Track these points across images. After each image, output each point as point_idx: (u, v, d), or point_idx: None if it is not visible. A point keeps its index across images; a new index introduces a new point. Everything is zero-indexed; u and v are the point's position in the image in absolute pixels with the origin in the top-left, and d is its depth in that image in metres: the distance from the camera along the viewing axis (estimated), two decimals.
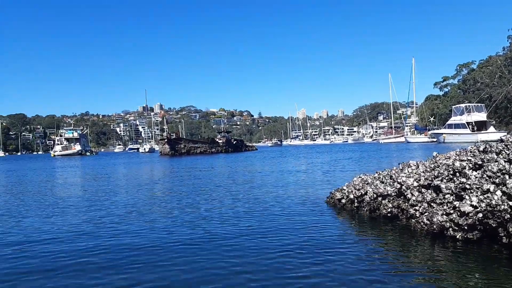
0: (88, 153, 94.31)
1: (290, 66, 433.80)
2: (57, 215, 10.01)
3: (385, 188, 7.48)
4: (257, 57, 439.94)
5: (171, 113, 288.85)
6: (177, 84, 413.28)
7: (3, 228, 8.48)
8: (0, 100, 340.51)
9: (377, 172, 8.41)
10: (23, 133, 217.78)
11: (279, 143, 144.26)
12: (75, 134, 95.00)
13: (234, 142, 76.40)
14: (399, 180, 7.20)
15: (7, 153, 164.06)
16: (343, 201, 8.82)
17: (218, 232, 7.50)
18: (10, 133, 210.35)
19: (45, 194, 14.97)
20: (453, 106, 78.55)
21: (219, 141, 71.94)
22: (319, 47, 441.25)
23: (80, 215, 9.89)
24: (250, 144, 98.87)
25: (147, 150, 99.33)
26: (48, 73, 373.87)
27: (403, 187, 7.07)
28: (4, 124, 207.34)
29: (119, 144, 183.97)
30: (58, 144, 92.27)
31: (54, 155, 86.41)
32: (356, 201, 8.35)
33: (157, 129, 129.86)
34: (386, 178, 7.74)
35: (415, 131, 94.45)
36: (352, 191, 8.48)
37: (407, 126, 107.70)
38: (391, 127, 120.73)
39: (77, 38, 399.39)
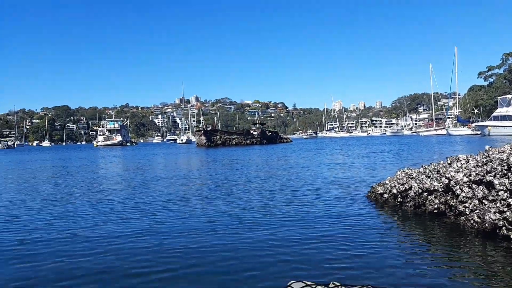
0: (128, 144, 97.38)
1: (325, 56, 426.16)
2: (103, 202, 10.46)
3: (431, 183, 7.17)
4: (292, 48, 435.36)
5: (207, 105, 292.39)
6: (213, 77, 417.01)
7: (53, 214, 8.91)
8: (47, 93, 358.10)
9: (422, 166, 8.08)
10: (68, 124, 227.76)
11: (314, 135, 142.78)
12: (116, 125, 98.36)
13: (268, 134, 76.30)
14: (447, 175, 6.87)
15: (52, 143, 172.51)
16: (385, 196, 8.56)
17: (256, 222, 7.54)
18: (56, 124, 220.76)
19: (91, 182, 15.60)
20: (498, 97, 74.57)
21: (254, 133, 72.13)
22: (356, 36, 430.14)
23: (125, 202, 10.28)
24: (284, 136, 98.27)
25: (184, 141, 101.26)
26: (90, 66, 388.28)
27: (452, 182, 6.74)
28: (50, 115, 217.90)
29: (157, 135, 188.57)
30: (101, 135, 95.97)
31: (97, 145, 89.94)
32: (399, 196, 8.08)
33: (194, 121, 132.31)
34: (433, 172, 7.42)
35: (458, 123, 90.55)
36: (395, 186, 8.21)
37: (448, 118, 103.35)
38: (432, 119, 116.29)
39: (117, 33, 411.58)
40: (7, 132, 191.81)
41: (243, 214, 8.41)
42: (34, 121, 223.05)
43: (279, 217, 7.96)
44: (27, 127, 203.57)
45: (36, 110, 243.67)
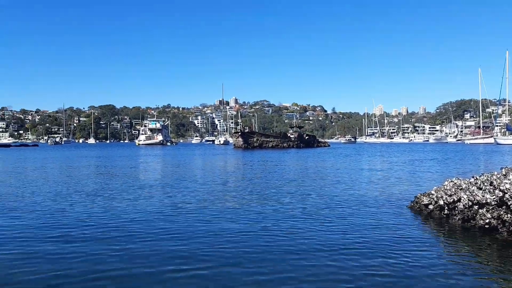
0: (168, 143, 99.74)
1: (367, 59, 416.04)
2: (143, 199, 10.77)
3: (483, 196, 6.65)
4: (332, 51, 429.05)
5: (245, 107, 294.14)
6: (252, 79, 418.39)
7: (96, 209, 9.14)
8: (94, 92, 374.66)
9: (473, 177, 7.54)
10: (112, 123, 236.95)
11: (352, 140, 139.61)
12: (158, 125, 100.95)
13: (306, 138, 75.52)
14: (501, 187, 6.35)
15: (97, 141, 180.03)
16: (431, 207, 8.08)
17: (293, 226, 7.36)
18: (101, 122, 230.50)
19: (132, 179, 16.01)
20: None
21: (291, 136, 71.64)
22: (399, 39, 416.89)
23: (163, 200, 10.49)
24: (322, 140, 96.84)
25: (222, 142, 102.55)
26: (135, 67, 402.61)
27: (507, 195, 6.22)
28: (96, 114, 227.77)
29: (196, 136, 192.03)
30: (143, 134, 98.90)
31: (139, 144, 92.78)
32: (446, 208, 7.58)
33: (232, 123, 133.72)
34: (485, 184, 6.88)
35: (507, 132, 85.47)
36: (442, 197, 7.71)
37: (497, 126, 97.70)
38: (479, 127, 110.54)
39: (161, 35, 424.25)
40: (56, 128, 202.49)
41: (279, 217, 8.26)
42: (81, 119, 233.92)
43: (316, 223, 7.73)
44: (75, 124, 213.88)
45: (84, 108, 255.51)
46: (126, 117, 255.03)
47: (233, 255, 5.71)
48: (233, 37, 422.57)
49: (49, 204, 10.02)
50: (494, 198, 6.52)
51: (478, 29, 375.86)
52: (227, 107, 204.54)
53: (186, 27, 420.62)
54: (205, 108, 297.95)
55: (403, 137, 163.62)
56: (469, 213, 6.99)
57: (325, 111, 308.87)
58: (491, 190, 6.63)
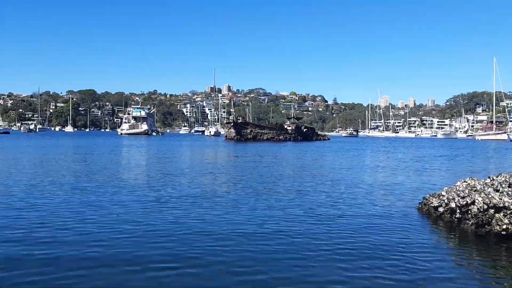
0: (154, 133, 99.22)
1: (373, 47, 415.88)
2: (125, 194, 10.66)
3: (501, 199, 6.52)
4: (334, 37, 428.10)
5: (239, 95, 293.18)
6: (247, 65, 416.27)
7: (75, 206, 8.89)
8: (73, 76, 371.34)
9: (489, 177, 7.41)
10: (92, 110, 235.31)
11: (354, 133, 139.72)
12: (143, 113, 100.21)
13: (304, 130, 75.48)
14: None
15: (75, 129, 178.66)
16: (441, 209, 7.96)
17: (292, 227, 7.23)
18: (80, 108, 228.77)
19: (115, 173, 15.75)
20: None
21: (288, 128, 71.45)
22: (407, 25, 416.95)
23: (147, 195, 10.26)
24: (322, 133, 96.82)
25: (212, 133, 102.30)
26: (118, 49, 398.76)
27: None
28: (74, 99, 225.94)
29: (184, 126, 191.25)
30: (126, 123, 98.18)
31: (121, 134, 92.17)
32: (458, 211, 7.45)
33: (224, 112, 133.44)
34: (503, 185, 6.75)
35: None
36: (453, 198, 7.58)
37: (511, 121, 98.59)
38: (491, 122, 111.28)
39: (146, 15, 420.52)
40: (30, 115, 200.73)
41: (277, 217, 8.15)
42: (58, 104, 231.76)
43: (318, 223, 7.63)
44: (51, 110, 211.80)
45: (61, 93, 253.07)
46: (107, 103, 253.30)
47: (225, 254, 5.72)
48: (227, 19, 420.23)
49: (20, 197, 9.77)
50: None
51: (493, 16, 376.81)
52: (219, 95, 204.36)
53: (175, 5, 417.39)
54: (195, 96, 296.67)
55: (409, 131, 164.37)
56: (484, 217, 6.87)
57: (326, 101, 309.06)
58: (510, 192, 6.50)
